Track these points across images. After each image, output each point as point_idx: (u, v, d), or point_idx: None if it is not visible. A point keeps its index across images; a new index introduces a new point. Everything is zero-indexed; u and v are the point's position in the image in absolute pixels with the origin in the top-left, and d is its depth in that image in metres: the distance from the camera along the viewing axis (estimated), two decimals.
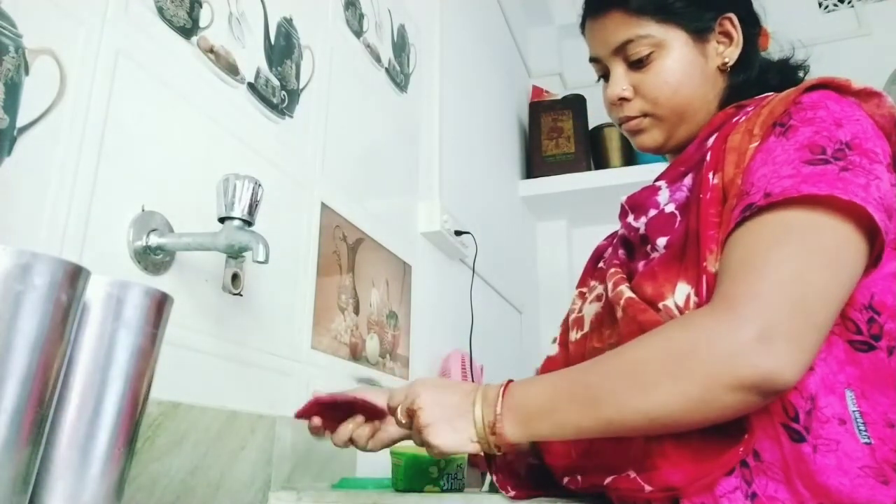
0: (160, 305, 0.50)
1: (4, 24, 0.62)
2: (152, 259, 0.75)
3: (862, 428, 0.60)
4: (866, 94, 0.70)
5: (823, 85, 0.70)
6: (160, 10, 0.81)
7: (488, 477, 1.08)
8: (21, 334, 0.39)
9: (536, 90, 2.58)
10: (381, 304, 1.29)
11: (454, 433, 0.67)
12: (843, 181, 0.59)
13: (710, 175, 0.71)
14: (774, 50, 0.88)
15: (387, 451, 0.95)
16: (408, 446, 0.90)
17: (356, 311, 1.20)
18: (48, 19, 0.66)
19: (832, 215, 0.60)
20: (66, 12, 0.68)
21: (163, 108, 0.80)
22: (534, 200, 2.43)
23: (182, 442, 0.74)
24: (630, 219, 0.80)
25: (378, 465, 1.10)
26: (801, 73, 0.86)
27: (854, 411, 0.61)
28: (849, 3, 2.47)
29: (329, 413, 0.82)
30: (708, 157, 0.73)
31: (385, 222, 1.35)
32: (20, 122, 0.63)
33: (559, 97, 2.52)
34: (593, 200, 2.31)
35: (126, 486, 0.48)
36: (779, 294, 0.57)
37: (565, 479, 0.76)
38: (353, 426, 0.82)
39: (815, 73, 0.75)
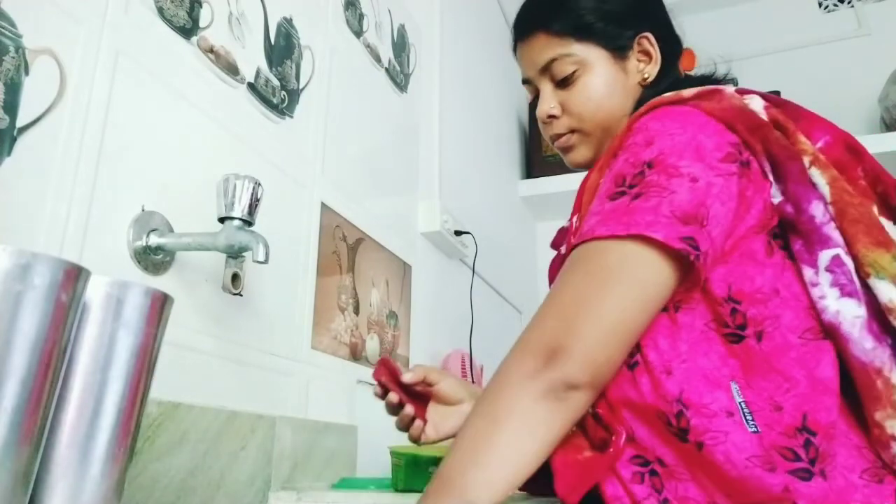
0: (160, 305, 0.50)
1: (4, 24, 0.62)
2: (152, 259, 0.75)
3: (749, 418, 0.62)
4: (706, 94, 0.71)
5: (657, 105, 0.72)
6: (160, 10, 0.81)
7: None
8: (21, 334, 0.39)
9: None
10: (381, 304, 1.29)
11: None
12: (629, 213, 0.63)
13: (574, 220, 0.75)
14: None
15: (387, 451, 0.95)
16: (408, 446, 0.90)
17: (356, 310, 1.20)
18: (48, 19, 0.66)
19: (620, 241, 0.63)
20: (66, 12, 0.68)
21: (163, 108, 0.80)
22: (534, 200, 2.43)
23: (182, 442, 0.74)
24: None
25: (378, 465, 1.10)
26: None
27: (740, 402, 0.63)
28: (849, 3, 2.47)
29: (396, 386, 0.86)
30: (575, 199, 0.77)
31: (385, 222, 1.35)
32: (20, 122, 0.63)
33: None
34: None
35: (126, 486, 0.48)
36: (556, 318, 0.62)
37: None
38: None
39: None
